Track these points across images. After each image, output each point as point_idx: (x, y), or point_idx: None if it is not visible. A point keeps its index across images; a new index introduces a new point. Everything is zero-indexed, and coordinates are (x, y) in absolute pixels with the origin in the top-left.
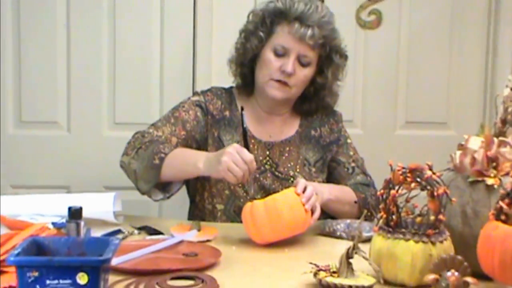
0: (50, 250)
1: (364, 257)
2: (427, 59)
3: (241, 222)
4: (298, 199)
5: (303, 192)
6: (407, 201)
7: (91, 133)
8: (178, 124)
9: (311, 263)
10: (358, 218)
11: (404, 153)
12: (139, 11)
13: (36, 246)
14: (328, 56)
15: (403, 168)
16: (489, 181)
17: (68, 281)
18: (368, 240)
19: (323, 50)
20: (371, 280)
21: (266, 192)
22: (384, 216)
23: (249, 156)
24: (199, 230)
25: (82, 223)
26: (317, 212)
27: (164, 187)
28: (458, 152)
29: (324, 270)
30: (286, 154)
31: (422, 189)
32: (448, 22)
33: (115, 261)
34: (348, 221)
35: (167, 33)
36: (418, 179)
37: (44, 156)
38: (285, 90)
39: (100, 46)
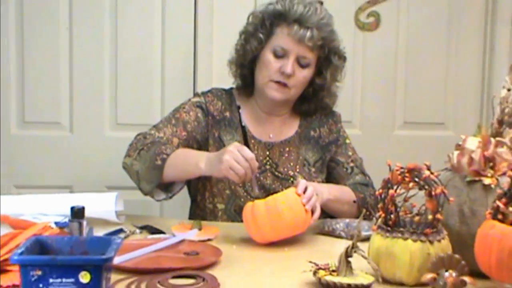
0: (53, 249)
1: (363, 256)
2: (425, 60)
3: (241, 221)
4: (299, 199)
5: (304, 192)
6: (405, 200)
7: (93, 133)
8: (179, 125)
9: (310, 262)
10: (357, 217)
11: (402, 153)
12: (140, 13)
13: (39, 245)
14: (327, 58)
15: (402, 168)
16: (486, 181)
17: (71, 280)
18: (367, 239)
19: (322, 51)
20: (369, 279)
21: (266, 192)
22: (383, 215)
23: (250, 153)
24: (200, 229)
25: (84, 223)
26: (317, 212)
27: (166, 187)
28: (456, 152)
29: (324, 269)
30: (286, 155)
31: (420, 189)
32: (446, 24)
33: (117, 260)
34: (347, 220)
35: (168, 35)
36: (416, 179)
37: (47, 156)
38: (285, 91)
39: (102, 48)
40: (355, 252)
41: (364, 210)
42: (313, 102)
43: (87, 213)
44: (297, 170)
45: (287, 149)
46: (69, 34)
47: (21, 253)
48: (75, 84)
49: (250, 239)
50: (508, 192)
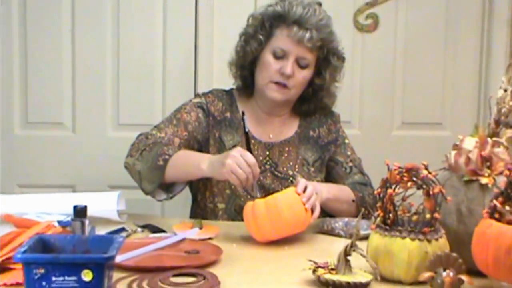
0: (56, 248)
1: (361, 255)
2: (423, 61)
3: (241, 220)
4: (299, 198)
5: (304, 191)
6: (403, 199)
7: (96, 133)
8: (180, 125)
9: (310, 260)
10: (356, 216)
11: (401, 153)
12: (142, 15)
13: (42, 244)
14: (326, 58)
15: (400, 167)
16: (483, 180)
17: (73, 278)
18: (365, 237)
19: (321, 52)
20: (368, 277)
21: (266, 191)
22: (381, 214)
23: (252, 159)
24: (200, 228)
25: (87, 222)
26: (317, 211)
27: (168, 187)
28: (453, 152)
29: (323, 267)
30: (286, 154)
31: (418, 188)
32: (443, 25)
33: (119, 258)
34: (346, 219)
35: (169, 37)
36: (414, 178)
37: (50, 156)
38: (285, 92)
39: (104, 50)
40: (354, 250)
41: (363, 209)
42: (312, 102)
43: (89, 212)
44: (297, 169)
45: (287, 149)
46: (72, 36)
47: (24, 252)
48: (77, 85)
49: (250, 238)
50: (504, 192)
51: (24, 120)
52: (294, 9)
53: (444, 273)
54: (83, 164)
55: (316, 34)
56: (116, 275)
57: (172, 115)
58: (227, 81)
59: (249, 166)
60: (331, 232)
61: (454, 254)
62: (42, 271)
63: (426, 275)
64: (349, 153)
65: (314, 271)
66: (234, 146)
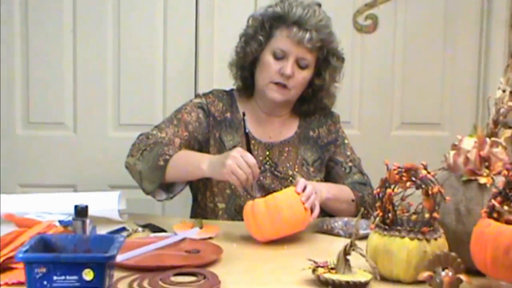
0: (57, 247)
1: (361, 254)
2: (422, 62)
3: (241, 220)
4: (298, 197)
5: (303, 191)
6: (402, 199)
7: (97, 133)
8: (181, 125)
9: (310, 259)
10: (355, 216)
11: (400, 153)
12: (143, 16)
13: (44, 243)
14: (326, 59)
15: (399, 167)
16: (482, 180)
17: (75, 277)
18: (365, 237)
19: (321, 53)
20: (367, 276)
21: (266, 191)
22: (381, 214)
23: (252, 160)
24: (201, 227)
25: (88, 221)
26: (316, 211)
27: (168, 187)
28: (452, 152)
29: (323, 267)
30: (285, 154)
31: (417, 188)
32: (442, 26)
33: (120, 258)
34: (346, 219)
35: (170, 37)
36: (413, 178)
37: (51, 156)
38: (285, 92)
39: (105, 50)
40: (353, 250)
41: (362, 209)
42: (312, 103)
43: (90, 212)
44: (296, 169)
45: (287, 149)
46: (73, 36)
47: (26, 251)
48: (78, 85)
49: (250, 237)
50: (503, 191)
51: (25, 120)
52: (294, 10)
53: (443, 273)
54: (84, 164)
55: (316, 34)
56: (117, 274)
57: (172, 115)
58: (227, 82)
59: (249, 167)
60: (330, 232)
61: (453, 254)
62: (43, 270)
63: (425, 274)
64: (348, 153)
65: (313, 270)
66: (234, 146)
